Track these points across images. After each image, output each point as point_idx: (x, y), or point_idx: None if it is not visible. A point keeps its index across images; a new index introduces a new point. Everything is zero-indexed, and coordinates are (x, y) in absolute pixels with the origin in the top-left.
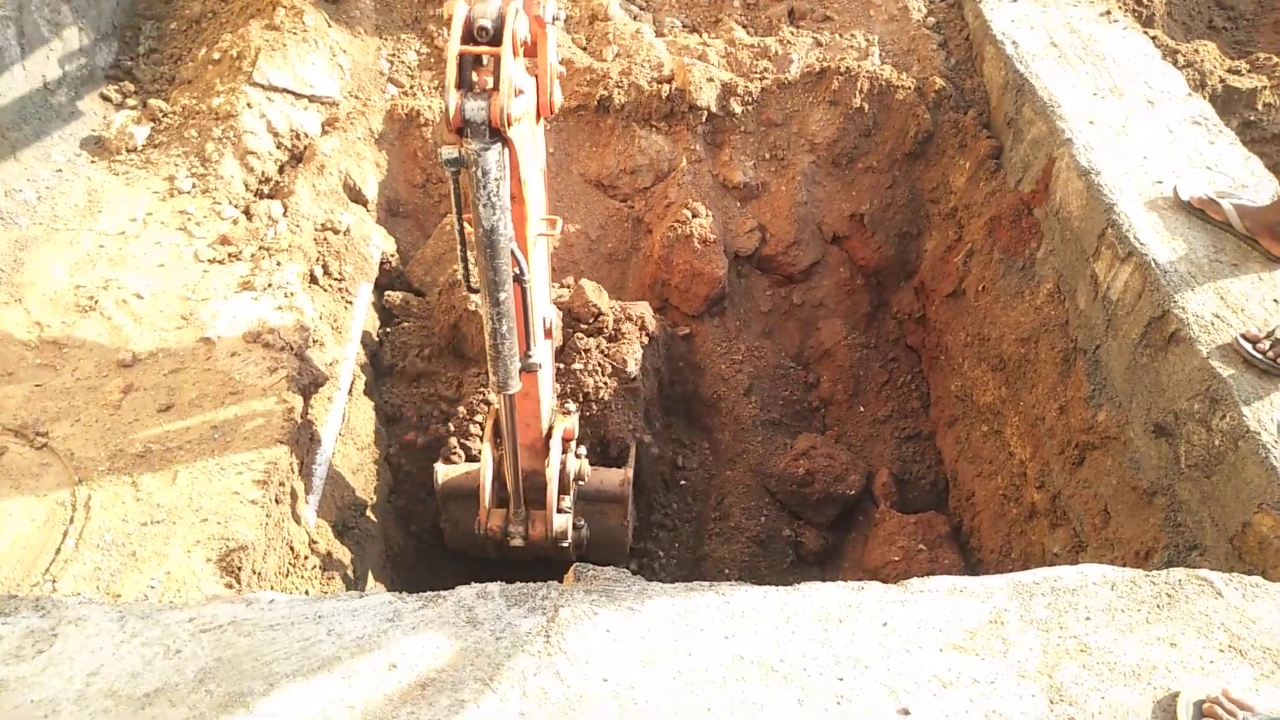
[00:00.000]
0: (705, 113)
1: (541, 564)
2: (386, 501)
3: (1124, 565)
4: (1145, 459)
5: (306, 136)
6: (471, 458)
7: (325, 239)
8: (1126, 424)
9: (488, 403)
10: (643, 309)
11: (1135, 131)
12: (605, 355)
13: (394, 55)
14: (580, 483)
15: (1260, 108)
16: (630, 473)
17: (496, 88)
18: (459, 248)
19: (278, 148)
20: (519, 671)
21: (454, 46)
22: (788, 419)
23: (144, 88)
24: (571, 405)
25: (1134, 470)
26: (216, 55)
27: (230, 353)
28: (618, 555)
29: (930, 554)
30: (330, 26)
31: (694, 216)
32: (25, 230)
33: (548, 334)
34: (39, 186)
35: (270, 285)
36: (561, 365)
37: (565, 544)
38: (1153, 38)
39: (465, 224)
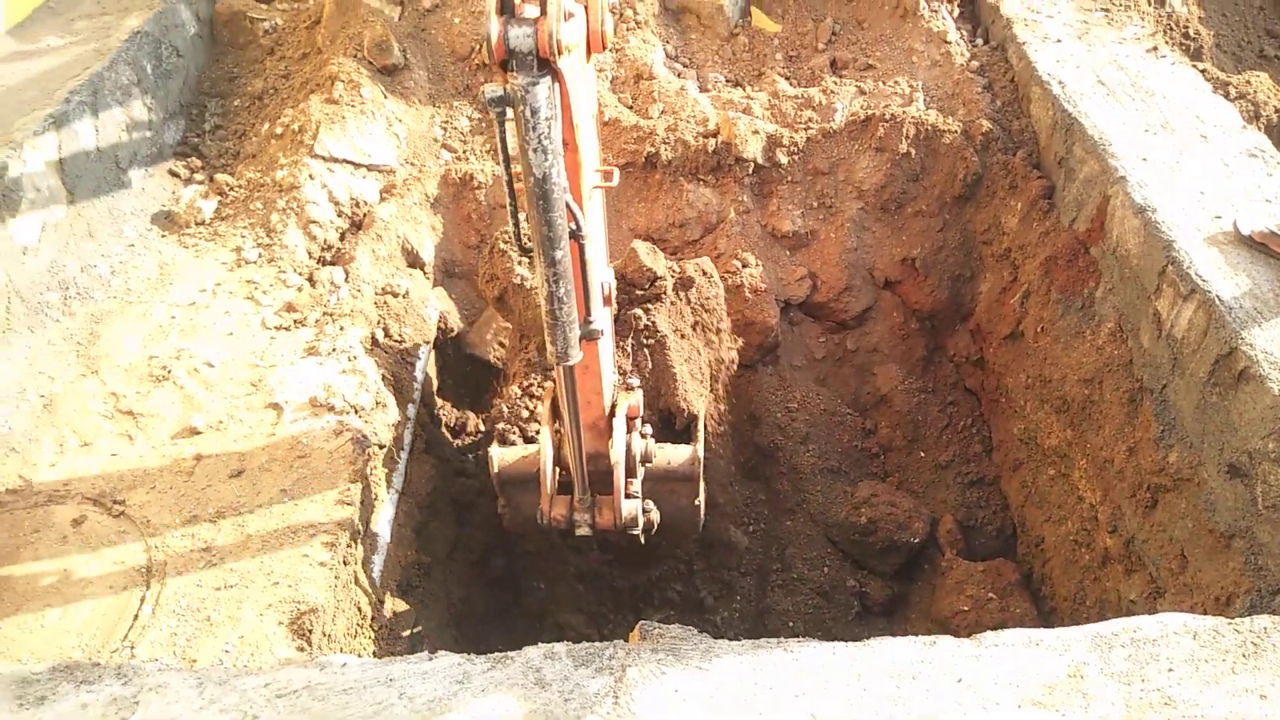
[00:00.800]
0: (751, 164)
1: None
2: (448, 558)
3: (1204, 612)
4: (1221, 501)
5: (366, 204)
6: (529, 439)
7: (385, 302)
8: (1199, 465)
9: (544, 380)
10: (704, 262)
11: (1190, 167)
12: (674, 309)
13: (447, 122)
14: (647, 465)
15: None
16: (700, 449)
17: (544, 12)
18: (508, 202)
19: (339, 216)
20: None
21: None
22: (846, 466)
23: (210, 163)
24: (634, 380)
25: (1209, 513)
26: (279, 130)
27: (297, 417)
28: (688, 537)
29: (1001, 603)
30: (386, 98)
31: (744, 266)
32: (101, 304)
33: (606, 300)
34: (113, 262)
35: (334, 350)
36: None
37: (635, 532)
38: (1202, 71)
39: (514, 178)
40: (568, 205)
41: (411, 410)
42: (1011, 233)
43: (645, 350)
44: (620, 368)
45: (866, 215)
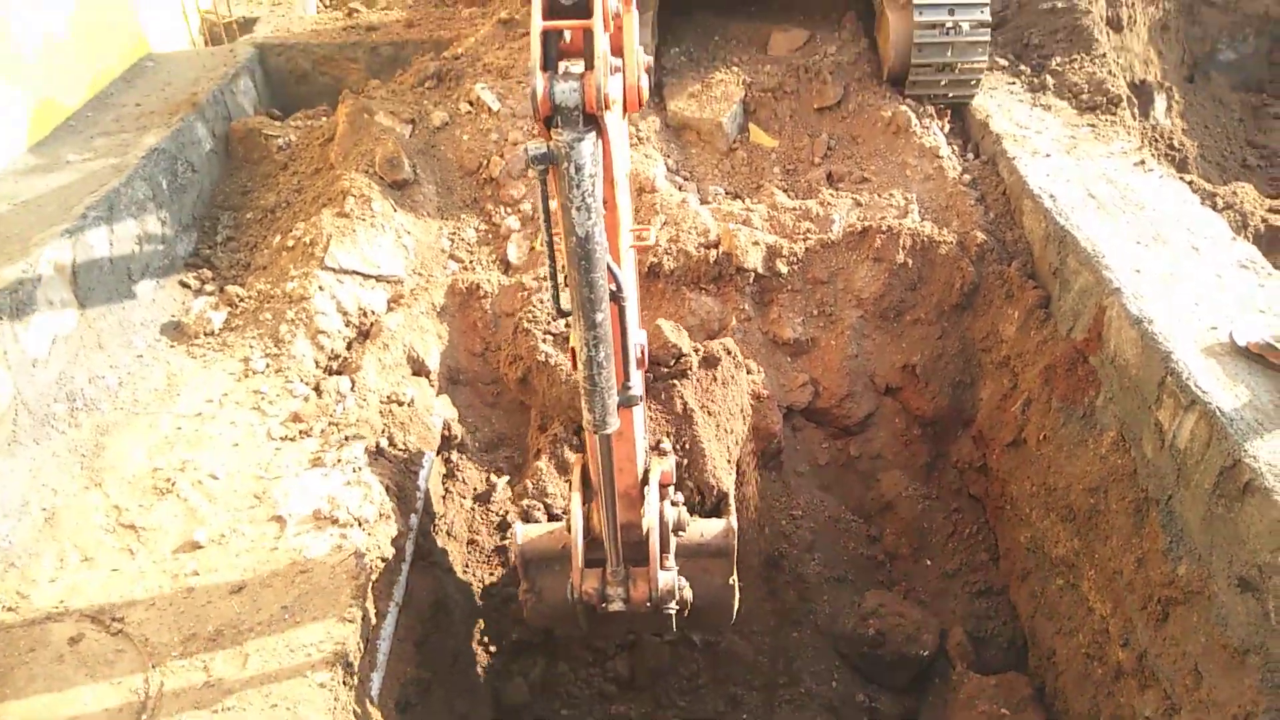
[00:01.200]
0: (752, 274)
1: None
2: (450, 671)
3: None
4: (1233, 615)
5: (373, 314)
6: (554, 517)
7: (391, 411)
8: (1209, 578)
9: (576, 449)
10: (728, 342)
11: (1183, 278)
12: (700, 387)
13: (454, 233)
14: (679, 534)
15: None
16: (734, 521)
17: (590, 66)
18: (548, 264)
19: (346, 325)
20: None
21: (536, 22)
22: (853, 575)
23: (221, 274)
24: (667, 444)
25: (1222, 627)
26: (290, 242)
27: (300, 530)
28: (723, 621)
29: (1014, 718)
30: (396, 211)
31: (747, 373)
32: (107, 415)
33: (639, 363)
34: (121, 372)
35: (339, 461)
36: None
37: (671, 607)
38: (1189, 182)
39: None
40: (608, 267)
41: (414, 520)
42: (1010, 341)
43: (672, 427)
44: (652, 431)
45: (866, 323)
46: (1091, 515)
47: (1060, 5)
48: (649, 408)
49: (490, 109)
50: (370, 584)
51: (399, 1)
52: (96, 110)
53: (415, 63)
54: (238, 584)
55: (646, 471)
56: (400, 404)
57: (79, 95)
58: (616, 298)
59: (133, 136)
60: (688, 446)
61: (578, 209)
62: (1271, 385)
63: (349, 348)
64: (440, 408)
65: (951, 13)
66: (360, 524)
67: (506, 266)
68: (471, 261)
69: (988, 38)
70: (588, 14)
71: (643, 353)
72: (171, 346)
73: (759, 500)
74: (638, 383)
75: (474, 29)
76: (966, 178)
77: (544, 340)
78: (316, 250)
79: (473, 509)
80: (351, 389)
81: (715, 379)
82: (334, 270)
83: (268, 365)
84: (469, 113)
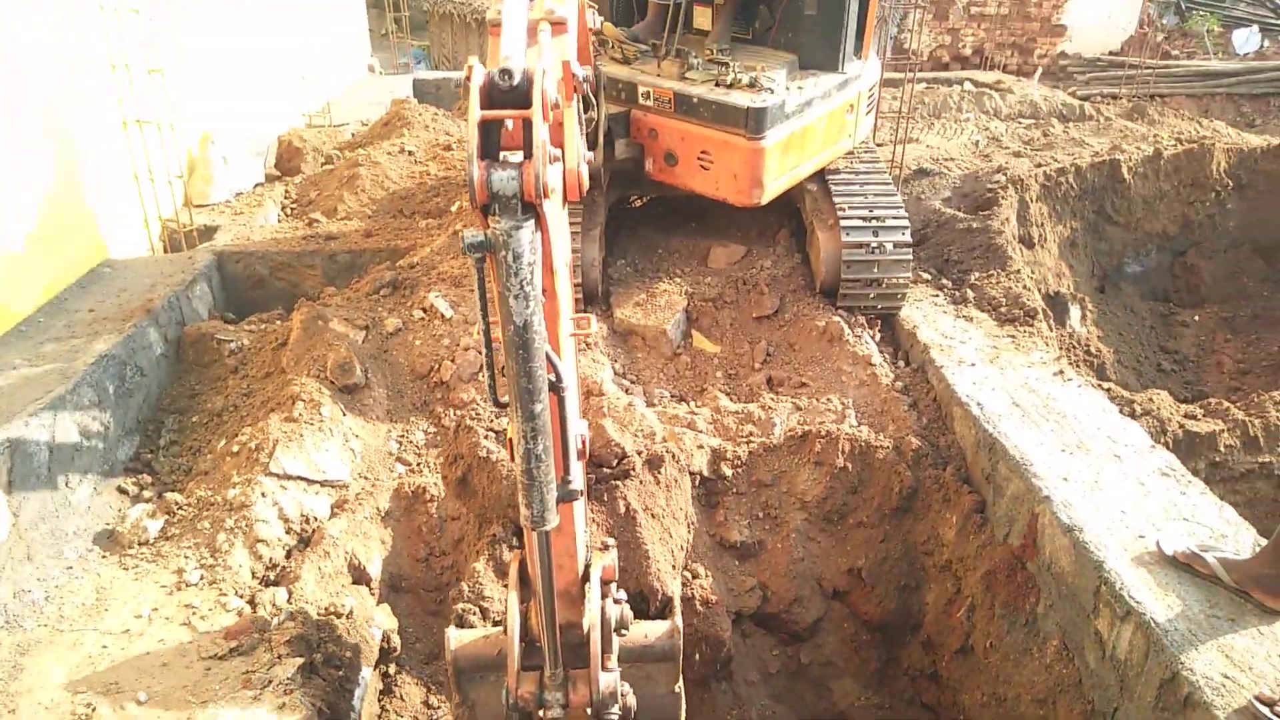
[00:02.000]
0: (698, 477)
1: None
2: None
3: None
4: None
5: (316, 519)
6: (496, 623)
7: (329, 623)
8: None
9: (516, 549)
10: (672, 445)
11: (1108, 486)
12: (644, 489)
13: (403, 436)
14: (623, 633)
15: (1222, 449)
16: (679, 622)
17: (529, 155)
18: (484, 353)
19: (287, 533)
20: None
21: (474, 111)
22: None
23: (161, 479)
24: (610, 540)
25: None
26: (235, 448)
27: None
28: None
29: None
30: (345, 415)
31: (694, 578)
32: (30, 633)
33: (580, 454)
34: (48, 586)
35: (270, 683)
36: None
37: (613, 712)
38: (1107, 390)
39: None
40: (547, 356)
41: None
42: (950, 545)
43: (615, 529)
44: (594, 521)
45: (811, 525)
46: None
47: (975, 226)
48: (591, 509)
49: (443, 316)
50: None
51: (359, 212)
52: (50, 316)
53: (371, 271)
54: None
55: (588, 567)
56: (339, 615)
57: (32, 301)
58: (556, 388)
59: (83, 342)
60: (631, 549)
61: (515, 297)
62: (1200, 595)
63: (288, 556)
64: (380, 618)
65: (876, 234)
66: None
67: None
68: (419, 464)
69: (910, 256)
70: (527, 104)
71: (583, 444)
72: (104, 557)
73: (712, 714)
74: (578, 476)
75: (430, 239)
76: (899, 384)
77: (486, 437)
78: (262, 456)
79: None
80: (289, 600)
81: (659, 481)
82: (278, 476)
83: (202, 577)
84: (422, 319)
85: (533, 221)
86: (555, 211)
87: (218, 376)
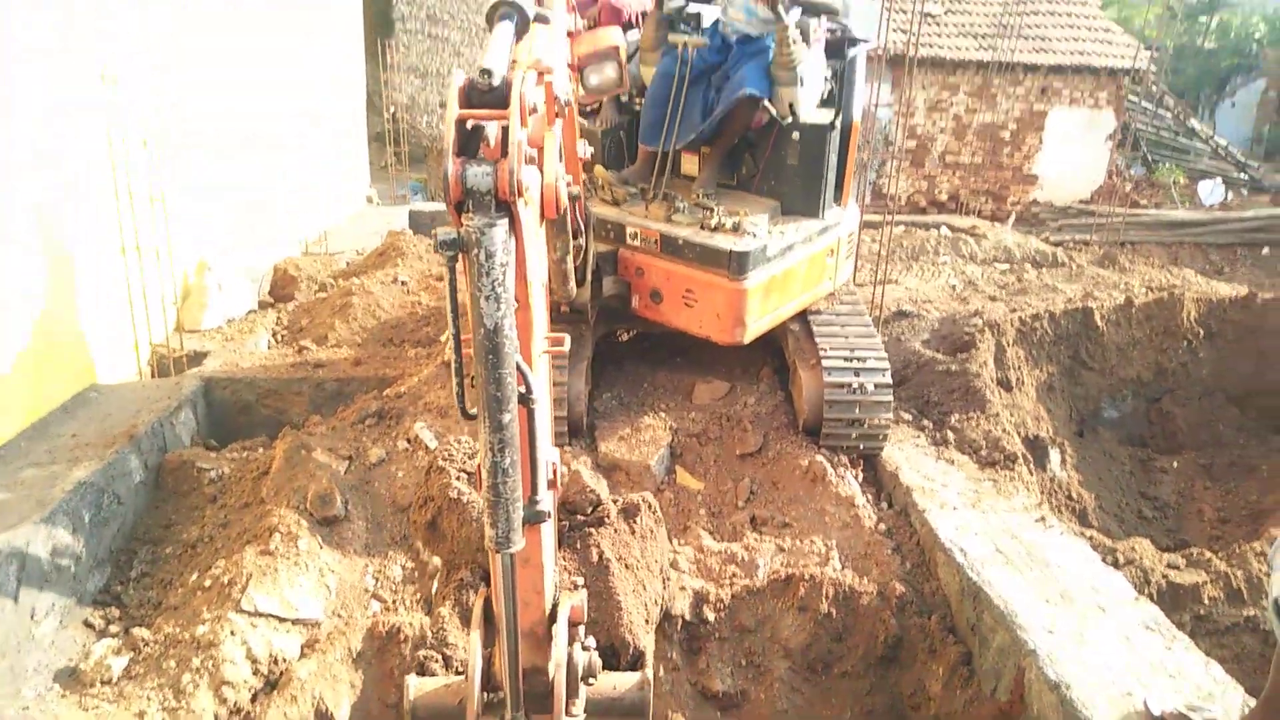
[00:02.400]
0: (680, 620)
1: None
2: None
3: None
4: None
5: (285, 660)
6: (459, 673)
7: None
8: None
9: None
10: (648, 495)
11: (1093, 640)
12: (618, 538)
13: (380, 571)
14: (590, 682)
15: (1206, 601)
16: (650, 675)
17: (504, 153)
18: (453, 358)
19: (255, 674)
20: None
21: (452, 110)
22: None
23: (129, 613)
24: (579, 579)
25: None
26: (207, 582)
27: None
28: None
29: None
30: (322, 549)
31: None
32: None
33: (551, 483)
34: None
35: None
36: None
37: None
38: (1089, 538)
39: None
40: (518, 365)
41: None
42: (938, 699)
43: (587, 578)
44: (565, 569)
45: (795, 675)
46: None
47: (954, 368)
48: (562, 556)
49: (427, 447)
50: None
51: (349, 340)
52: (31, 440)
53: (358, 400)
54: None
55: (555, 608)
56: None
57: (15, 426)
58: (526, 400)
59: (63, 469)
60: (603, 599)
61: (487, 298)
62: None
63: (254, 700)
64: None
65: (857, 374)
66: None
67: (430, 607)
68: (395, 602)
69: (890, 397)
70: (504, 105)
71: (554, 472)
72: (63, 696)
73: None
74: (547, 500)
75: (419, 368)
76: (882, 527)
77: (458, 478)
78: (234, 591)
79: None
80: None
81: (634, 531)
82: (249, 613)
83: None
84: (406, 450)
85: (507, 221)
86: (531, 219)
87: (195, 505)
